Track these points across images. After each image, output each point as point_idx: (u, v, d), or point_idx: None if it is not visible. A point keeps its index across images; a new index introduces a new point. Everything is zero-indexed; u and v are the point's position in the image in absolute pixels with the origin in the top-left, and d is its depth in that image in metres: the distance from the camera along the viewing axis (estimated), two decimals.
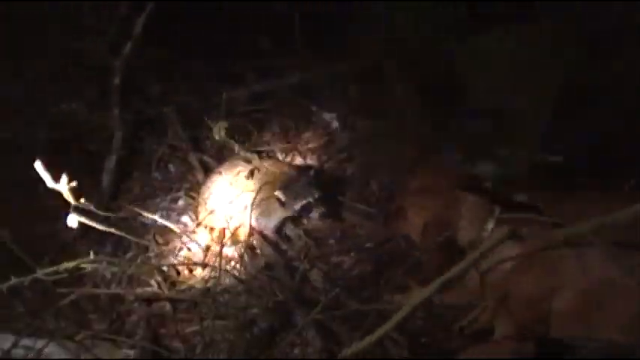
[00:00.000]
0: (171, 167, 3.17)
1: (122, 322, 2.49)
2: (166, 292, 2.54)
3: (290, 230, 2.80)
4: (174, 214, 2.96)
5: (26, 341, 2.23)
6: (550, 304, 2.03)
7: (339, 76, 3.55)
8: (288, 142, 3.28)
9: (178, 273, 2.68)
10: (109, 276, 2.68)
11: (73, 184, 2.23)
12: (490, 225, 2.17)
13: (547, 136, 2.70)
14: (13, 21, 3.17)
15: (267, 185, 2.72)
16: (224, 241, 2.70)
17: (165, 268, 2.68)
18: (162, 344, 2.36)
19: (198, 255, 2.76)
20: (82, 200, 2.31)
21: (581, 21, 2.24)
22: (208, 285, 2.58)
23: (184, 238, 2.79)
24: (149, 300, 2.55)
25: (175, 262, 2.72)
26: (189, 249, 2.80)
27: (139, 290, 2.58)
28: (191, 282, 2.62)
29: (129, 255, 2.74)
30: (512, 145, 2.82)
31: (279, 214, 2.74)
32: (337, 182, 3.00)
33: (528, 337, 2.03)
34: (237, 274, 2.60)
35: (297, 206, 2.70)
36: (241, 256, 2.67)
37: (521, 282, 2.08)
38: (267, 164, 2.85)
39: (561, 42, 2.28)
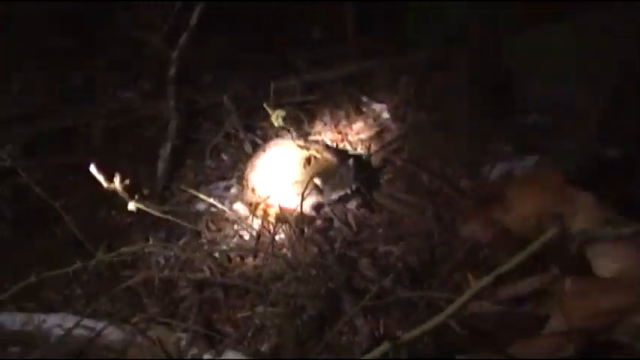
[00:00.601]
0: (224, 156, 3.21)
1: (175, 307, 2.54)
2: (218, 278, 2.59)
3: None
4: (226, 202, 3.00)
5: (86, 322, 2.29)
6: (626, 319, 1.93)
7: (391, 67, 3.56)
8: (339, 133, 3.29)
9: (230, 260, 2.73)
10: (162, 261, 2.75)
11: (127, 182, 2.29)
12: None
13: (604, 130, 2.64)
14: (71, 13, 3.27)
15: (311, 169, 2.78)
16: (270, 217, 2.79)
17: (217, 255, 2.73)
18: (214, 329, 2.41)
19: (249, 242, 2.80)
20: (136, 197, 2.39)
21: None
22: (259, 271, 2.62)
23: (236, 226, 2.84)
24: (201, 285, 2.61)
25: (227, 248, 2.77)
26: (241, 236, 2.84)
27: (191, 276, 2.64)
28: (242, 269, 2.66)
29: (182, 241, 2.79)
30: (569, 139, 2.80)
31: (314, 199, 2.79)
32: (379, 172, 3.03)
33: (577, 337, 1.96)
34: (288, 260, 2.63)
35: (335, 196, 2.75)
36: (292, 243, 2.71)
37: (607, 289, 2.01)
38: (314, 149, 2.89)
39: (617, 35, 2.23)
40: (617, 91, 2.53)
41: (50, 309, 2.46)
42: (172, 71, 3.13)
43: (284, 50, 3.68)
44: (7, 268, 2.66)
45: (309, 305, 2.43)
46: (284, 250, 2.71)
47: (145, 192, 3.04)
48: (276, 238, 2.74)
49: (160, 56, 3.31)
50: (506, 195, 2.25)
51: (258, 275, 2.59)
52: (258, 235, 2.81)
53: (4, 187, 2.99)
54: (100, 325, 2.30)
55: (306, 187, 2.71)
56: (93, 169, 2.26)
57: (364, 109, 3.41)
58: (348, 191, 2.75)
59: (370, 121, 3.35)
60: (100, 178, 2.26)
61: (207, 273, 2.64)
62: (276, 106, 2.78)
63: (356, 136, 3.27)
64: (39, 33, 3.27)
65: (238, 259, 2.72)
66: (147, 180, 3.08)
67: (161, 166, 3.01)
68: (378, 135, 3.26)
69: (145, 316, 2.41)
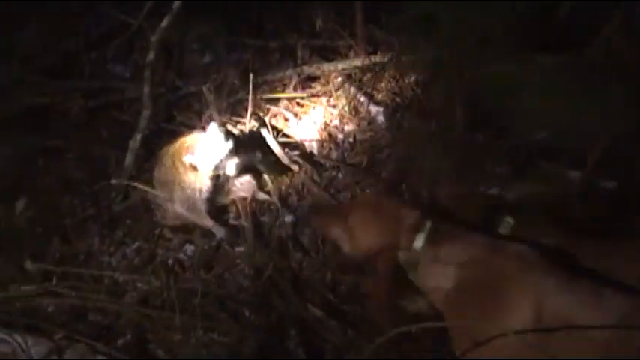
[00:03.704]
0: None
1: (116, 318, 2.40)
2: (165, 293, 2.42)
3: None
4: None
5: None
6: None
7: (397, 65, 3.27)
8: (330, 134, 3.05)
9: (184, 269, 2.56)
10: (114, 262, 2.60)
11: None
12: (419, 240, 1.94)
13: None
14: None
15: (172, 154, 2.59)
16: None
17: (170, 262, 2.57)
18: (144, 351, 2.25)
19: (207, 252, 2.62)
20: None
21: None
22: (210, 288, 2.45)
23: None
24: (147, 296, 2.45)
25: (183, 256, 2.60)
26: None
27: (139, 284, 2.49)
28: (194, 281, 2.48)
29: (135, 245, 2.63)
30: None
31: (194, 182, 2.58)
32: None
33: None
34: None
35: (212, 165, 2.54)
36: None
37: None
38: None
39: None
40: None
41: None
42: (151, 56, 2.91)
43: (284, 38, 3.42)
44: None
45: (250, 336, 2.25)
46: (241, 266, 2.53)
47: (113, 182, 2.88)
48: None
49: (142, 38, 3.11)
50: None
51: (206, 293, 2.41)
52: (218, 245, 2.62)
53: None
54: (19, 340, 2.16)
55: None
56: None
57: (360, 110, 3.14)
58: (224, 155, 2.54)
59: (364, 124, 3.09)
60: None
61: (156, 284, 2.47)
62: None
63: (347, 139, 3.03)
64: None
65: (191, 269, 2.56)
66: (116, 169, 2.90)
67: (129, 157, 2.82)
68: (370, 140, 3.01)
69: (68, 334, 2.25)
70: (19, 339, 2.17)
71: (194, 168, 2.53)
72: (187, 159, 2.52)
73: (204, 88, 3.03)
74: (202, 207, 2.60)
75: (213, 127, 2.54)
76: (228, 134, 2.57)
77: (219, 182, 2.63)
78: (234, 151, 2.57)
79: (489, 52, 2.27)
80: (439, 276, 1.91)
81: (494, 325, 1.75)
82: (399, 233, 1.95)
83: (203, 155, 2.53)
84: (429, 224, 1.94)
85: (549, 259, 1.82)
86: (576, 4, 2.38)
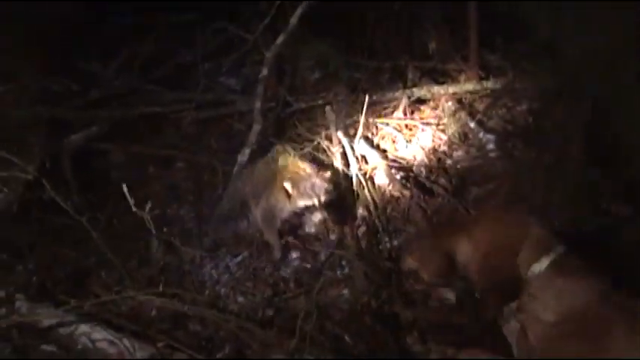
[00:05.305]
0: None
1: (216, 330, 2.39)
2: (265, 309, 2.44)
3: None
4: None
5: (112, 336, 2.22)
6: None
7: (511, 91, 3.18)
8: (438, 159, 2.98)
9: (286, 287, 2.55)
10: (216, 275, 2.62)
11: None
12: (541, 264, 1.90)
13: None
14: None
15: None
16: None
17: (272, 279, 2.57)
18: None
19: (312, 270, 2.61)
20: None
21: None
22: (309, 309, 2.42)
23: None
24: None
25: (284, 274, 2.59)
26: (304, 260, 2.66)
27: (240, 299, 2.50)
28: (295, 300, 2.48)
29: (238, 259, 2.65)
30: None
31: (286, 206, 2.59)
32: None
33: None
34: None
35: (301, 204, 2.54)
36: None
37: None
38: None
39: None
40: None
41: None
42: (264, 71, 2.94)
43: (396, 57, 3.39)
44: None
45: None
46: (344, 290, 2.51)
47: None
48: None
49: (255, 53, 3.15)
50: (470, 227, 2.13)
51: (306, 314, 2.38)
52: (320, 267, 2.60)
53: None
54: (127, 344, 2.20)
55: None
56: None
57: (470, 136, 3.06)
58: (316, 202, 2.51)
59: (473, 151, 3.00)
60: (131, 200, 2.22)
61: (256, 299, 2.48)
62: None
63: (454, 166, 2.95)
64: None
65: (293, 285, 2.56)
66: (224, 180, 2.94)
67: (237, 170, 2.84)
68: (479, 168, 2.92)
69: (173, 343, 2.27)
70: (127, 343, 2.21)
71: (286, 194, 2.54)
72: (286, 184, 2.52)
73: (327, 108, 3.04)
74: (276, 224, 2.61)
75: (325, 176, 2.58)
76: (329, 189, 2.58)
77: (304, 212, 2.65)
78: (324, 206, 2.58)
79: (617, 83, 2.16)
80: (544, 305, 1.86)
81: None
82: (522, 250, 1.93)
83: (299, 191, 2.53)
84: (560, 249, 1.89)
85: None
86: None
